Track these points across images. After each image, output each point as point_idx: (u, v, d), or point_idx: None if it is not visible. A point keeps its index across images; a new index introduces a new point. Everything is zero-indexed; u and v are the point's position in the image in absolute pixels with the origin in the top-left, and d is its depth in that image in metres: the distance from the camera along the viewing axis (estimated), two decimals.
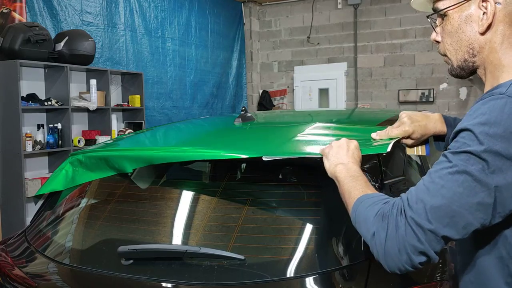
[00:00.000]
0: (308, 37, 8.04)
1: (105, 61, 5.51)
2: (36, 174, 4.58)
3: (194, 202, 1.54)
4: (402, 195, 0.93)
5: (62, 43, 4.52)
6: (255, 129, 1.99)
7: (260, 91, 8.48)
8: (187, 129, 2.21)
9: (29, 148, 4.27)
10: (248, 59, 8.41)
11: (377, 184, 1.47)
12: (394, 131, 1.29)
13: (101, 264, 1.42)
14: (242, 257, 1.31)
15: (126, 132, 5.23)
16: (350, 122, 2.31)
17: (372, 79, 7.70)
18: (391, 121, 1.93)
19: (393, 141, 1.25)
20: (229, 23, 7.96)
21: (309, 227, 1.41)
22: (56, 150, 4.59)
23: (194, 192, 1.57)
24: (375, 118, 2.14)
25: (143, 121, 5.56)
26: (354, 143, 1.18)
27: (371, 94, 7.73)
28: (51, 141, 4.49)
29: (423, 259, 0.88)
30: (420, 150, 1.34)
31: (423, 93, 7.26)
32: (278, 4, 8.30)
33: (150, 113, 6.13)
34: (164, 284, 1.31)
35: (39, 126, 4.58)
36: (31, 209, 4.28)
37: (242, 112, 2.08)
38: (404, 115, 1.31)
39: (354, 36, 7.74)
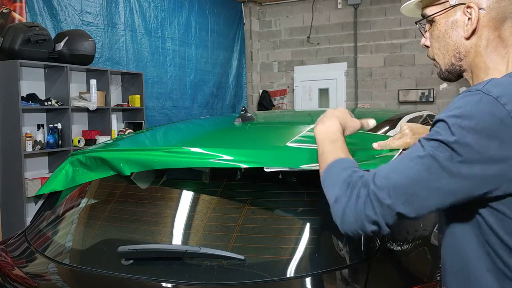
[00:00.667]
0: (308, 37, 8.05)
1: (105, 61, 5.51)
2: (36, 174, 4.58)
3: (194, 202, 1.54)
4: (372, 170, 0.99)
5: (62, 43, 4.52)
6: (254, 130, 1.99)
7: (260, 91, 8.49)
8: (187, 130, 2.21)
9: (29, 148, 4.27)
10: (248, 59, 8.41)
11: None
12: (395, 143, 1.34)
13: (101, 264, 1.42)
14: (242, 257, 1.31)
15: (126, 132, 5.22)
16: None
17: (372, 79, 7.70)
18: (391, 121, 1.93)
19: (396, 154, 1.27)
20: (229, 23, 7.96)
21: (309, 227, 1.41)
22: (56, 150, 4.59)
23: (194, 192, 1.57)
24: (375, 118, 2.14)
25: (143, 121, 5.56)
26: (342, 109, 1.24)
27: (371, 94, 7.73)
28: (51, 141, 4.49)
29: (375, 228, 0.95)
30: None
31: (423, 93, 7.26)
32: (278, 4, 8.30)
33: (150, 113, 6.13)
34: (164, 284, 1.31)
35: (39, 126, 4.58)
36: (31, 209, 4.28)
37: (242, 112, 2.08)
38: (406, 127, 1.35)
39: (354, 36, 7.74)
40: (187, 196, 1.57)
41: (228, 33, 7.95)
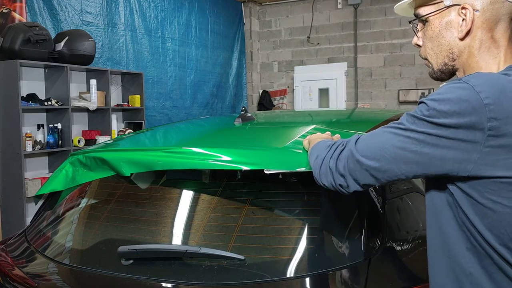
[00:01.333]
0: (308, 37, 8.05)
1: (105, 61, 5.51)
2: (36, 174, 4.58)
3: (194, 202, 1.54)
4: (356, 135, 1.10)
5: (62, 43, 4.52)
6: (254, 130, 1.99)
7: (260, 91, 8.48)
8: (187, 130, 2.21)
9: (29, 148, 4.27)
10: (248, 59, 8.41)
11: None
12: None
13: (101, 264, 1.42)
14: (242, 257, 1.31)
15: (126, 132, 5.22)
16: (350, 123, 2.31)
17: (372, 79, 7.70)
18: (391, 121, 1.93)
19: None
20: (229, 23, 7.96)
21: (309, 227, 1.41)
22: (56, 150, 4.59)
23: (194, 192, 1.57)
24: (375, 118, 2.14)
25: (143, 121, 5.56)
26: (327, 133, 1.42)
27: (371, 94, 7.73)
28: (51, 141, 4.49)
29: (343, 182, 1.06)
30: None
31: (423, 93, 7.26)
32: (278, 4, 8.30)
33: (150, 113, 6.13)
34: (164, 284, 1.31)
35: (39, 126, 4.58)
36: (31, 209, 4.28)
37: (242, 112, 2.08)
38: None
39: (354, 36, 7.74)
40: (187, 196, 1.57)
41: (228, 33, 7.95)
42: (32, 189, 4.25)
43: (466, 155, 0.93)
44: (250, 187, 1.52)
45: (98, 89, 4.96)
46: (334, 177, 1.07)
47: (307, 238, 1.38)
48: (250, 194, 1.50)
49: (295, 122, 2.36)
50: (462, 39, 1.07)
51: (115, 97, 5.55)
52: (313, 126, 1.78)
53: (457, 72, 1.12)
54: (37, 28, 4.29)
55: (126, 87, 5.66)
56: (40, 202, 1.88)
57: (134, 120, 5.61)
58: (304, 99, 8.14)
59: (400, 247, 1.43)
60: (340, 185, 1.07)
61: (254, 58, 8.44)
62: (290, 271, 1.30)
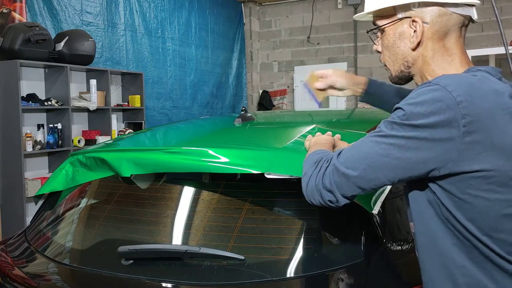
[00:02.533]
0: (308, 37, 8.05)
1: (105, 61, 5.51)
2: (36, 174, 4.58)
3: (194, 202, 1.54)
4: (338, 150, 1.12)
5: (62, 43, 4.52)
6: (254, 130, 1.99)
7: (260, 91, 8.49)
8: (187, 130, 2.21)
9: (29, 148, 4.27)
10: (248, 59, 8.41)
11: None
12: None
13: (101, 264, 1.42)
14: (242, 257, 1.31)
15: (126, 132, 5.23)
16: (350, 122, 2.31)
17: None
18: None
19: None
20: (229, 23, 7.96)
21: (308, 227, 1.41)
22: (56, 150, 4.59)
23: (194, 192, 1.57)
24: (375, 118, 2.14)
25: (143, 121, 5.56)
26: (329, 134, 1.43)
27: None
28: (51, 141, 4.49)
29: (331, 197, 1.08)
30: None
31: None
32: (278, 4, 8.30)
33: (150, 113, 6.13)
34: (164, 284, 1.31)
35: (39, 126, 4.58)
36: (31, 209, 4.28)
37: (242, 112, 2.08)
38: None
39: (354, 36, 7.74)
40: (187, 196, 1.57)
41: (228, 33, 7.95)
42: (32, 189, 4.25)
43: (446, 153, 0.97)
44: (250, 187, 1.52)
45: (98, 89, 4.96)
46: (321, 194, 1.08)
47: (307, 238, 1.38)
48: (250, 194, 1.50)
49: (295, 122, 2.36)
50: (414, 49, 1.14)
51: (115, 97, 5.55)
52: (313, 126, 1.78)
53: (414, 77, 1.19)
54: (37, 28, 4.29)
55: (126, 87, 5.66)
56: (40, 202, 1.88)
57: (134, 120, 5.61)
58: (304, 99, 8.13)
59: (400, 247, 1.43)
60: (330, 201, 1.09)
61: (254, 58, 8.44)
62: (290, 271, 1.31)
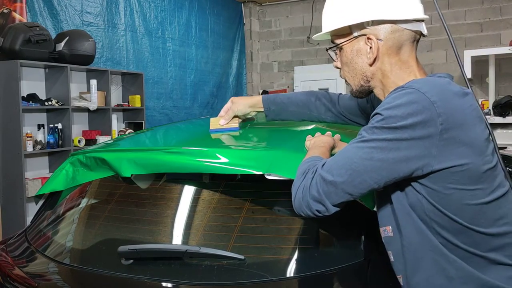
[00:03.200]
0: (308, 37, 8.05)
1: (105, 61, 5.51)
2: (37, 174, 4.58)
3: (194, 202, 1.54)
4: (324, 160, 1.15)
5: (62, 43, 4.52)
6: (254, 130, 1.99)
7: (260, 91, 8.48)
8: (187, 130, 2.22)
9: (29, 148, 4.28)
10: (248, 59, 8.41)
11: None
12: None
13: (101, 264, 1.42)
14: (242, 257, 1.31)
15: (127, 132, 5.23)
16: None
17: None
18: None
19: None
20: (229, 23, 7.96)
21: (309, 227, 1.41)
22: (56, 150, 4.59)
23: (194, 192, 1.57)
24: None
25: (143, 121, 5.57)
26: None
27: None
28: (51, 141, 4.49)
29: (320, 207, 1.10)
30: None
31: None
32: (278, 4, 8.30)
33: (150, 113, 6.13)
34: (164, 284, 1.31)
35: (40, 126, 4.59)
36: (32, 209, 4.28)
37: None
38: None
39: None
40: (187, 196, 1.57)
41: (228, 33, 7.95)
42: (32, 189, 4.25)
43: (427, 151, 1.02)
44: (250, 187, 1.52)
45: (98, 89, 4.96)
46: (309, 205, 1.10)
47: (307, 238, 1.38)
48: (250, 194, 1.50)
49: (295, 122, 2.36)
50: (371, 64, 1.20)
51: (116, 97, 5.55)
52: (313, 126, 1.79)
53: (374, 90, 1.25)
54: (38, 28, 4.29)
55: (126, 87, 5.66)
56: (41, 202, 1.89)
57: (134, 120, 5.61)
58: None
59: None
60: (318, 211, 1.11)
61: (254, 58, 8.44)
62: (290, 271, 1.31)
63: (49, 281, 1.50)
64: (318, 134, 1.44)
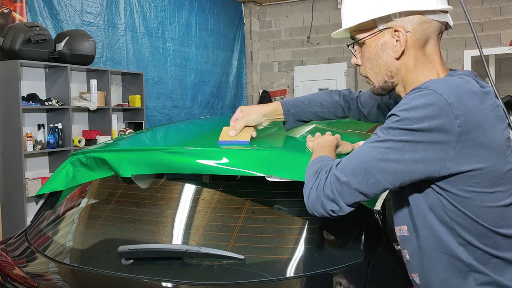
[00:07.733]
0: (308, 37, 8.05)
1: (105, 61, 5.51)
2: (37, 174, 4.58)
3: (194, 202, 1.54)
4: (338, 159, 1.13)
5: (62, 43, 4.52)
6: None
7: (260, 91, 8.49)
8: (187, 130, 2.22)
9: (29, 148, 4.28)
10: (248, 59, 8.41)
11: None
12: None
13: (101, 264, 1.43)
14: (242, 257, 1.31)
15: (127, 132, 5.23)
16: (350, 122, 2.31)
17: None
18: None
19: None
20: (229, 23, 7.96)
21: (309, 227, 1.41)
22: (56, 150, 4.59)
23: (194, 192, 1.57)
24: None
25: (143, 121, 5.57)
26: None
27: None
28: (51, 141, 4.49)
29: (334, 207, 1.08)
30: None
31: None
32: (278, 4, 8.30)
33: (150, 113, 6.13)
34: (164, 284, 1.31)
35: (40, 126, 4.59)
36: (32, 209, 4.28)
37: None
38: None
39: None
40: (187, 196, 1.57)
41: (228, 33, 7.95)
42: (32, 189, 4.25)
43: (444, 154, 1.00)
44: (250, 187, 1.52)
45: (98, 89, 4.96)
46: (323, 205, 1.09)
47: (307, 238, 1.38)
48: (250, 194, 1.50)
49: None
50: (398, 58, 1.16)
51: (116, 97, 5.55)
52: (313, 126, 1.79)
53: (396, 87, 1.21)
54: (38, 28, 4.29)
55: (126, 87, 5.66)
56: (41, 202, 1.89)
57: (134, 120, 5.61)
58: None
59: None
60: (332, 211, 1.09)
61: (254, 58, 8.44)
62: (290, 271, 1.31)
63: (49, 281, 1.50)
64: (318, 134, 1.44)
